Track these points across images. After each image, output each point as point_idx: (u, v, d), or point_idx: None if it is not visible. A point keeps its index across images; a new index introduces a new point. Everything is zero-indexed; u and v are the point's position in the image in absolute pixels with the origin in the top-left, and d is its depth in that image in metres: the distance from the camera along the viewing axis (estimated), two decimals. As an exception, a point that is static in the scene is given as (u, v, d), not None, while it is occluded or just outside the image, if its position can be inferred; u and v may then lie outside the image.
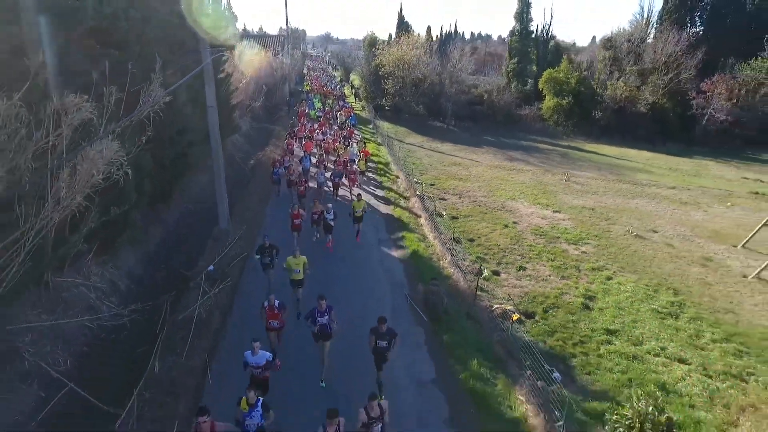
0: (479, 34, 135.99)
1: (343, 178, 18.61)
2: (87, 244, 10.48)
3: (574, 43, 56.46)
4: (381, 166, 24.79)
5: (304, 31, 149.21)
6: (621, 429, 7.23)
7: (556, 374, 9.39)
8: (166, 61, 12.49)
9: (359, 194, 16.02)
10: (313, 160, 21.11)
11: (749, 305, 12.74)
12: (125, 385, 8.52)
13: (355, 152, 21.91)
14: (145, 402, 8.05)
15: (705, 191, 23.79)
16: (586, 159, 30.68)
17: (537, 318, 11.54)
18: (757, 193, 23.45)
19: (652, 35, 41.59)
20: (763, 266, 14.47)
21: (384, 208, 18.52)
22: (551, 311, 11.81)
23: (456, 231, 16.30)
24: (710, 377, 9.67)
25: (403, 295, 11.94)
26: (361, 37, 74.66)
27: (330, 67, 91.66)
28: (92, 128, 7.79)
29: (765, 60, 34.32)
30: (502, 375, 9.24)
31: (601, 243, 16.33)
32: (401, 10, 53.82)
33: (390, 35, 52.42)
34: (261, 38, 48.95)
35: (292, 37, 72.03)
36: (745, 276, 14.47)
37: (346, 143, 24.53)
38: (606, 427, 7.63)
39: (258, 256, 11.34)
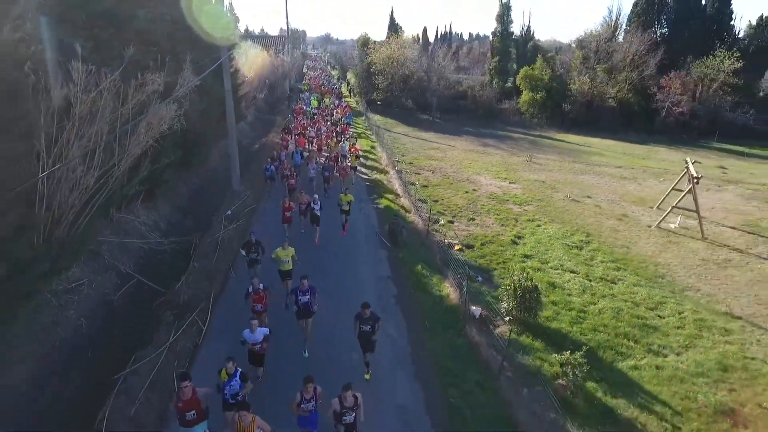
0: (477, 35, 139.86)
1: (334, 172, 19.33)
2: (138, 190, 14.33)
3: (555, 42, 59.97)
4: (368, 148, 28.59)
5: (304, 32, 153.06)
6: (506, 292, 11.05)
7: (479, 277, 13.23)
8: (188, 54, 16.39)
9: (346, 188, 16.41)
10: (306, 155, 21.82)
11: (642, 244, 16.56)
12: (173, 278, 12.36)
13: (346, 148, 22.89)
14: (189, 285, 11.88)
15: (646, 170, 27.60)
16: (552, 146, 34.50)
17: (474, 248, 15.36)
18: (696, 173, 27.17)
19: (621, 36, 45.46)
20: (661, 218, 18.32)
21: (367, 178, 22.35)
22: (486, 245, 15.62)
23: (424, 195, 20.12)
24: (589, 281, 13.49)
25: (375, 232, 15.78)
26: (372, 38, 78.23)
27: (329, 66, 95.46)
28: (157, 97, 11.64)
29: (716, 58, 38.10)
30: (437, 275, 13.08)
31: (541, 204, 20.14)
32: (392, 13, 58.07)
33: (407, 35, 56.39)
34: (263, 38, 52.84)
35: (293, 38, 75.96)
36: (649, 226, 18.31)
37: (339, 139, 25.57)
38: (498, 293, 11.49)
39: (243, 251, 11.54)
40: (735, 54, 37.73)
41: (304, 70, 77.51)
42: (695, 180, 17.62)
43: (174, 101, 11.83)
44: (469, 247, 15.45)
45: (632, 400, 8.91)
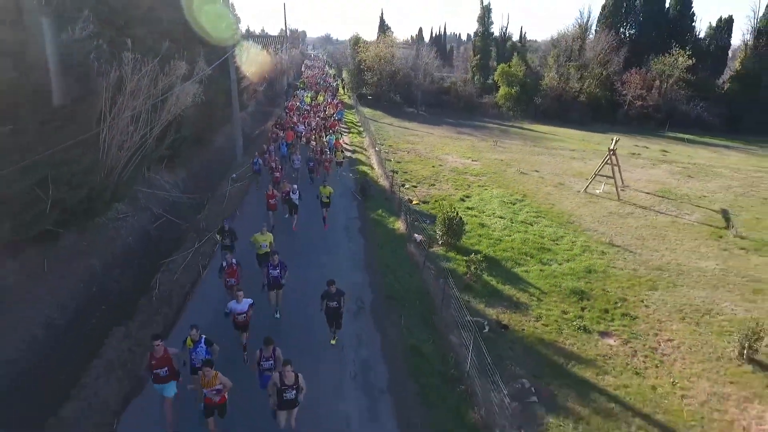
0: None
1: (318, 164, 20.62)
2: (162, 155, 18.29)
3: (533, 41, 63.96)
4: (356, 134, 32.59)
5: (304, 32, 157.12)
6: (439, 222, 15.06)
7: (427, 221, 17.21)
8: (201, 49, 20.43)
9: (324, 181, 17.32)
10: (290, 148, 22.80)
11: (566, 203, 20.53)
12: (194, 215, 16.36)
13: (332, 142, 23.70)
14: (205, 219, 15.86)
15: (596, 152, 31.53)
16: (520, 134, 38.49)
17: (429, 203, 19.35)
18: (633, 153, 31.22)
19: (592, 36, 49.50)
20: (587, 185, 22.33)
21: (350, 155, 26.36)
22: (439, 201, 19.60)
23: (395, 167, 24.12)
24: (512, 223, 17.49)
25: (350, 190, 19.82)
26: (364, 38, 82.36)
27: (327, 66, 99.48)
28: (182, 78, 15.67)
29: (672, 56, 42.08)
30: (394, 217, 17.10)
31: (494, 176, 24.13)
32: (382, 15, 61.88)
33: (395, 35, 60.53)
34: (263, 38, 56.92)
35: (292, 38, 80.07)
36: (578, 191, 22.30)
37: (326, 134, 26.10)
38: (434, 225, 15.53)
39: (218, 236, 12.31)
40: (687, 53, 41.60)
41: (302, 69, 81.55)
42: (611, 151, 21.57)
43: (195, 82, 15.82)
44: (425, 202, 19.45)
45: (516, 287, 12.90)
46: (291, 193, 15.28)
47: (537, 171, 25.69)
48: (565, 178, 24.62)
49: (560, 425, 8.13)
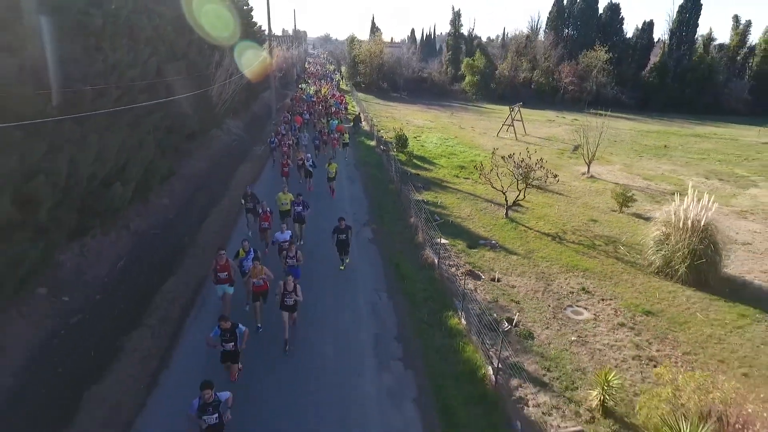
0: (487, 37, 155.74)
1: (322, 143, 25.48)
2: (230, 108, 30.35)
3: (492, 38, 76.08)
4: (351, 108, 44.73)
5: (305, 32, 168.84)
6: (393, 139, 27.23)
7: (390, 144, 29.35)
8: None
9: (330, 158, 20.47)
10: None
11: (481, 140, 32.64)
12: (250, 149, 28.50)
13: (334, 126, 27.87)
14: (256, 147, 27.96)
15: (527, 121, 43.64)
16: (476, 110, 50.65)
17: (396, 147, 31.48)
18: (550, 120, 43.40)
19: (541, 35, 61.74)
20: (498, 131, 34.50)
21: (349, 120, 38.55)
22: (407, 148, 31.64)
23: (376, 123, 36.23)
24: (439, 146, 29.64)
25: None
26: (358, 38, 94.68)
27: (327, 63, 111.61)
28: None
29: (596, 52, 54.28)
30: (373, 142, 29.29)
31: (441, 128, 36.25)
32: (373, 19, 74.46)
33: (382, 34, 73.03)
34: (275, 37, 69.01)
35: (296, 37, 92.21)
36: (492, 136, 34.44)
37: (329, 119, 30.66)
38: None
39: (243, 201, 14.17)
40: (606, 49, 53.87)
41: (306, 66, 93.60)
42: (512, 111, 33.71)
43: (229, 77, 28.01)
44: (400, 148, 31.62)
45: (430, 165, 25.03)
46: (306, 161, 18.96)
47: (473, 127, 37.87)
48: (491, 131, 36.78)
49: (435, 195, 20.26)
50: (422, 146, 29.33)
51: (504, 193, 17.90)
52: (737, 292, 12.57)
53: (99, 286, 11.40)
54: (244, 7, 36.96)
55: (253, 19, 39.63)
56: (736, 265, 14.05)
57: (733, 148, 33.48)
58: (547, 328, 10.70)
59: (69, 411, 7.56)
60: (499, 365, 8.55)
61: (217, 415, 6.44)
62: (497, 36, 73.32)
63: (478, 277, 12.86)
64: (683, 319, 11.31)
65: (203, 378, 6.61)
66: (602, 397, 7.95)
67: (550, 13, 61.25)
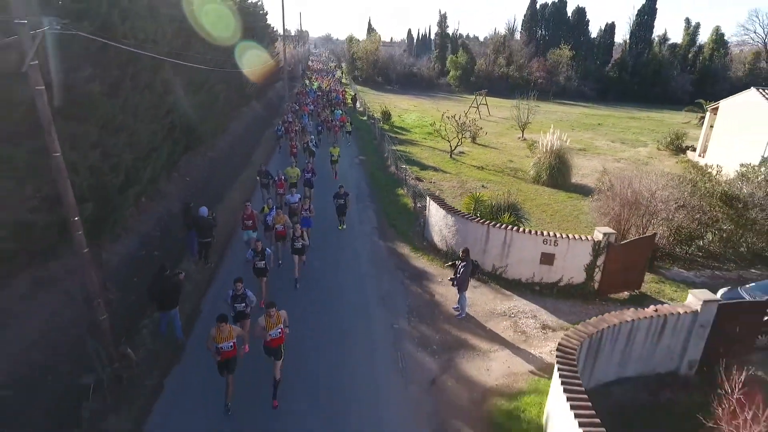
0: (467, 35, 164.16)
1: (326, 129, 30.01)
2: (251, 93, 38.89)
3: (474, 37, 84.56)
4: (349, 99, 53.33)
5: (307, 32, 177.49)
6: (378, 113, 35.81)
7: (380, 120, 37.95)
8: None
9: (333, 143, 23.77)
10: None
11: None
12: (267, 126, 37.09)
13: (338, 116, 31.65)
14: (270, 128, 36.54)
15: (497, 107, 52.14)
16: (456, 99, 59.09)
17: (382, 119, 40.03)
18: (515, 106, 51.80)
19: (518, 35, 70.24)
20: (466, 110, 43.08)
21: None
22: (390, 120, 40.21)
23: (369, 107, 44.77)
24: (417, 121, 38.18)
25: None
26: (356, 37, 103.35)
27: (329, 61, 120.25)
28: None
29: (561, 50, 62.75)
30: (365, 117, 37.86)
31: (422, 111, 44.76)
32: (370, 20, 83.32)
33: (379, 35, 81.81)
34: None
35: (300, 37, 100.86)
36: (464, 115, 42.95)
37: (332, 110, 35.01)
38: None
39: (258, 177, 16.69)
40: (569, 47, 62.39)
41: (309, 63, 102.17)
42: (476, 96, 42.24)
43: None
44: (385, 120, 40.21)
45: (406, 131, 33.58)
46: (310, 143, 22.80)
47: (448, 110, 46.36)
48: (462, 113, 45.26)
49: (405, 147, 28.81)
50: (403, 120, 37.92)
51: (449, 141, 26.45)
52: (574, 188, 21.11)
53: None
54: (260, 12, 45.40)
55: (267, 21, 48.14)
56: (577, 177, 22.60)
57: (654, 125, 41.99)
58: (452, 195, 19.24)
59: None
60: (417, 203, 17.10)
61: (244, 304, 8.63)
62: (490, 34, 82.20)
63: (420, 180, 21.42)
64: (536, 196, 19.86)
65: (245, 296, 8.65)
66: (474, 207, 16.48)
67: (524, 16, 69.82)
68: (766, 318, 9.21)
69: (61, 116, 7.72)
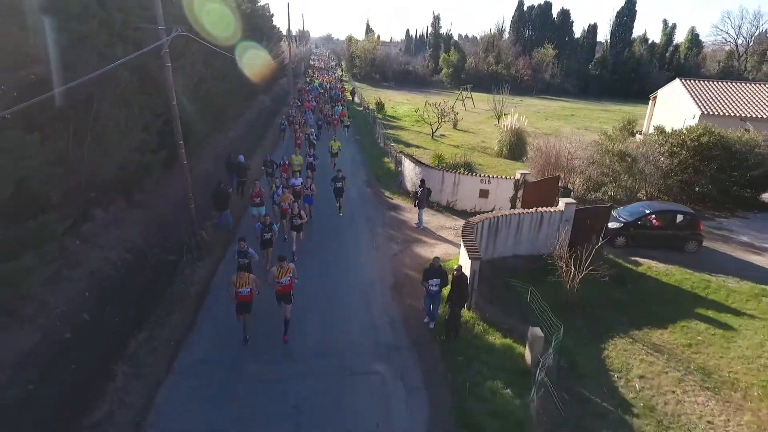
0: (465, 35, 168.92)
1: (326, 123, 32.16)
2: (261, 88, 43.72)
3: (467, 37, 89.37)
4: (348, 92, 58.17)
5: (308, 32, 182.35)
6: (371, 103, 40.66)
7: (375, 111, 42.79)
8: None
9: (333, 136, 26.64)
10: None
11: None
12: (277, 113, 41.95)
13: (339, 112, 34.33)
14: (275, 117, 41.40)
15: (482, 100, 56.89)
16: (447, 95, 63.79)
17: (375, 108, 44.85)
18: (497, 100, 56.54)
19: (506, 35, 75.04)
20: (452, 104, 47.96)
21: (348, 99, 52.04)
22: (383, 110, 45.01)
23: (366, 102, 49.58)
24: (407, 112, 43.02)
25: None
26: (355, 37, 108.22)
27: (330, 60, 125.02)
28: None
29: (545, 49, 67.51)
30: (361, 108, 42.71)
31: (413, 104, 49.55)
32: (368, 21, 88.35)
33: (378, 35, 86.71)
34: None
35: (302, 37, 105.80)
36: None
37: (333, 106, 38.67)
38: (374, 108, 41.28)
39: (263, 168, 18.02)
40: (553, 46, 67.18)
41: (311, 62, 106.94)
42: (461, 91, 47.04)
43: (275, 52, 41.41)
44: (378, 110, 45.02)
45: (396, 119, 38.38)
46: (311, 135, 25.20)
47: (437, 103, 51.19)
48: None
49: (393, 132, 33.63)
50: (395, 111, 42.76)
51: (431, 125, 31.29)
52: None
53: (211, 163, 24.45)
54: (267, 14, 50.21)
55: (273, 23, 52.94)
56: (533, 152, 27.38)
57: (622, 116, 46.70)
58: (426, 162, 24.04)
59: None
60: (398, 167, 21.94)
61: (246, 260, 10.14)
62: (486, 32, 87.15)
63: (403, 153, 26.23)
64: (495, 165, 24.65)
65: (247, 252, 10.41)
66: (437, 163, 21.29)
67: (513, 17, 74.66)
68: (618, 226, 14.08)
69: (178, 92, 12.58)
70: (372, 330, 10.04)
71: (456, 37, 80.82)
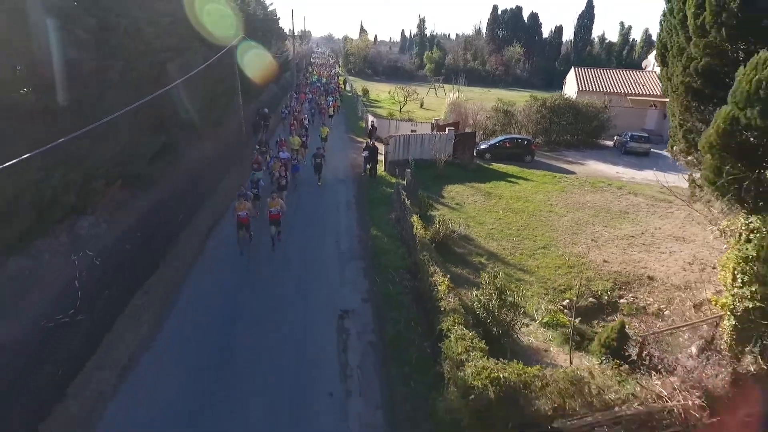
0: (448, 35, 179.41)
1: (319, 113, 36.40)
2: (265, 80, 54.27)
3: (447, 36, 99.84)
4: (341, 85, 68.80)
5: (309, 32, 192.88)
6: (362, 95, 51.18)
7: (367, 101, 53.27)
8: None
9: (323, 124, 29.82)
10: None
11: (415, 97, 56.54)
12: (280, 102, 52.57)
13: (330, 103, 38.23)
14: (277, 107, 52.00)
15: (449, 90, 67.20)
16: (428, 86, 74.32)
17: (364, 97, 55.30)
18: (472, 91, 67.03)
19: (484, 37, 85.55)
20: (426, 92, 58.32)
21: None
22: (368, 95, 55.40)
23: (359, 91, 60.06)
24: (390, 100, 53.60)
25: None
26: (351, 37, 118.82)
27: (329, 58, 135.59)
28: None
29: (514, 47, 77.91)
30: (352, 102, 53.26)
31: (395, 93, 60.03)
32: (362, 23, 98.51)
33: (375, 35, 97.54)
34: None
35: (304, 37, 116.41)
36: (425, 95, 58.27)
37: (327, 98, 41.34)
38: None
39: (257, 118, 24.05)
40: (520, 45, 77.64)
41: (311, 60, 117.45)
42: (433, 81, 57.51)
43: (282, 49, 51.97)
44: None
45: (376, 103, 48.89)
46: (304, 121, 29.06)
47: (416, 92, 61.76)
48: (427, 98, 60.58)
49: (372, 109, 44.16)
50: (378, 97, 53.25)
51: (399, 102, 41.94)
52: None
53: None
54: (274, 17, 60.70)
55: (279, 25, 63.41)
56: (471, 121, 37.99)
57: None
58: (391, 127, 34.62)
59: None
60: (367, 125, 32.49)
61: (257, 190, 15.48)
62: (464, 33, 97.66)
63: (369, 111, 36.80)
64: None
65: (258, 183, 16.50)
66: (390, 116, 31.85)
67: (488, 20, 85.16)
68: (486, 146, 24.66)
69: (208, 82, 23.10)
70: (342, 178, 20.74)
71: (440, 36, 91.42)
